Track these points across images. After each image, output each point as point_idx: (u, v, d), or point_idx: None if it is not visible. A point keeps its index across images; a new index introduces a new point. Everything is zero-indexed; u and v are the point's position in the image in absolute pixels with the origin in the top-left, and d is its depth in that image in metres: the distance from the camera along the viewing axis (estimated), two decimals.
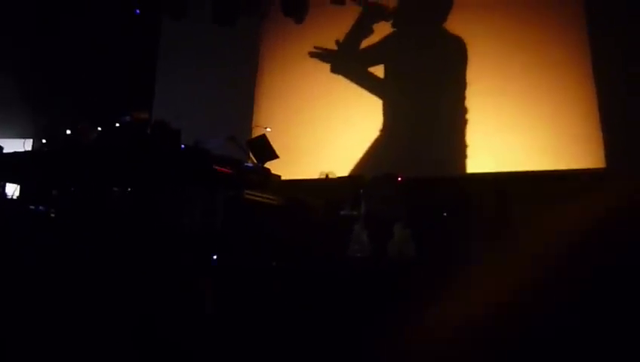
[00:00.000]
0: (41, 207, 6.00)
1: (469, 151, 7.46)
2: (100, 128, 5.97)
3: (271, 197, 6.21)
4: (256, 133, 6.59)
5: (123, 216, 5.42)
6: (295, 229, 6.30)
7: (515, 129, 7.26)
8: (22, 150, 6.36)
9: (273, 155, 6.10)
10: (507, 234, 6.48)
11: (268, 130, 6.44)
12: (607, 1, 7.18)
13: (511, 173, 7.13)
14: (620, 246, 5.90)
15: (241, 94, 8.68)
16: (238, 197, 5.79)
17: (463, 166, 7.45)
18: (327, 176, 7.43)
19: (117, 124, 5.85)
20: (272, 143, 6.36)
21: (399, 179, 6.89)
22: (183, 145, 5.54)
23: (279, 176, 6.55)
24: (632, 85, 6.76)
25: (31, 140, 8.59)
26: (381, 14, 8.22)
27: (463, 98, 7.59)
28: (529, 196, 6.74)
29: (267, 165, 6.25)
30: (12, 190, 6.29)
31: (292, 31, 8.62)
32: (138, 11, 8.99)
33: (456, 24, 7.86)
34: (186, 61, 9.19)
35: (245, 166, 5.90)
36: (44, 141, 6.35)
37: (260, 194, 6.07)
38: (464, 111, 7.56)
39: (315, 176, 7.52)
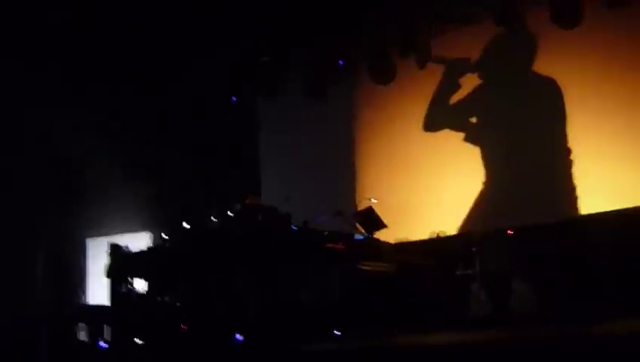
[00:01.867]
0: (167, 299, 6.39)
1: (579, 192, 7.20)
2: (214, 218, 6.30)
3: (384, 265, 6.29)
4: (363, 204, 6.70)
5: (246, 301, 5.64)
6: (412, 294, 6.32)
7: (625, 162, 6.96)
8: (146, 248, 6.80)
9: (381, 225, 6.20)
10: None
11: (374, 201, 6.55)
12: None
13: (627, 209, 6.79)
14: None
15: (342, 165, 8.86)
16: (353, 270, 5.91)
17: (576, 208, 7.19)
18: (437, 235, 7.43)
19: (230, 213, 6.16)
20: (379, 211, 6.47)
21: (509, 232, 6.78)
22: (294, 227, 5.75)
23: (390, 243, 6.64)
24: None
25: (149, 232, 9.14)
26: (466, 67, 8.22)
27: (564, 138, 7.39)
28: None
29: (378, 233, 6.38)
30: (141, 285, 6.69)
31: (382, 95, 8.78)
32: (235, 99, 9.47)
33: (546, 67, 7.71)
34: (284, 139, 9.52)
35: (355, 239, 6.03)
36: (165, 236, 6.73)
37: (373, 264, 6.17)
38: (567, 151, 7.35)
39: (426, 237, 7.53)
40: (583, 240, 6.83)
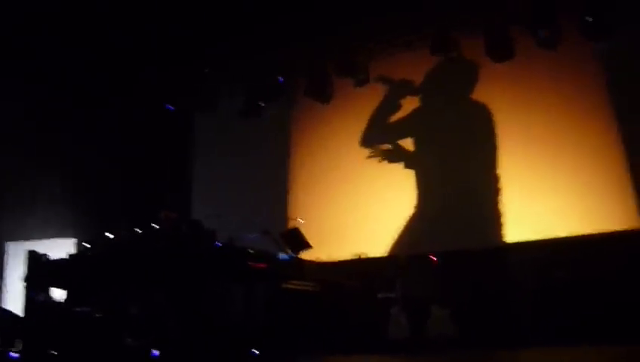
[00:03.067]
0: (85, 309, 6.22)
1: (503, 220, 7.40)
2: (138, 230, 6.20)
3: (308, 284, 6.31)
4: (291, 224, 6.72)
5: (165, 315, 5.55)
6: (334, 314, 6.36)
7: (549, 194, 7.19)
8: (66, 256, 6.61)
9: (306, 245, 6.22)
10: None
11: (301, 221, 6.58)
12: (627, 64, 7.18)
13: (547, 239, 7.01)
14: None
15: (275, 183, 8.84)
16: (275, 288, 5.91)
17: (500, 235, 7.37)
18: (360, 256, 7.48)
19: (154, 225, 6.08)
20: (306, 230, 6.50)
21: (434, 259, 6.90)
22: (218, 243, 5.71)
23: (315, 262, 6.65)
24: None
25: (73, 239, 8.92)
26: (404, 90, 8.37)
27: (493, 166, 7.59)
28: (569, 262, 6.66)
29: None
30: (60, 294, 6.51)
31: (318, 115, 8.85)
32: (172, 108, 9.34)
33: (480, 94, 7.95)
34: (220, 155, 9.45)
35: (280, 258, 6.02)
36: (87, 245, 6.58)
37: (296, 283, 6.18)
38: (496, 180, 7.54)
39: (351, 258, 7.57)
40: (506, 268, 7.02)
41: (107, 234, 6.32)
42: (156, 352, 5.36)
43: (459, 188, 7.66)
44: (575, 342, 5.42)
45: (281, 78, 8.91)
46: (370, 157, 8.24)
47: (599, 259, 6.47)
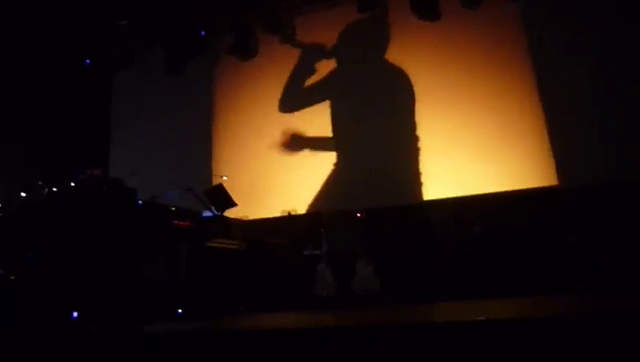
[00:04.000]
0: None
1: (424, 179, 7.53)
2: (54, 188, 5.92)
3: (234, 242, 6.23)
4: (215, 182, 6.59)
5: (84, 274, 5.36)
6: (260, 272, 6.33)
7: (468, 153, 7.36)
8: None
9: (231, 203, 6.12)
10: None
11: (225, 178, 6.47)
12: (548, 23, 7.35)
13: (467, 196, 7.20)
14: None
15: (198, 141, 8.66)
16: (200, 247, 5.81)
17: (420, 193, 7.51)
18: (289, 213, 7.47)
19: (72, 183, 5.81)
20: (231, 188, 6.39)
21: (358, 215, 6.94)
22: (140, 201, 5.53)
23: (241, 220, 6.58)
24: (576, 105, 6.96)
25: None
26: (325, 52, 8.32)
27: (413, 127, 7.67)
28: (487, 218, 6.86)
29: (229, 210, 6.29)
30: None
31: (242, 73, 8.69)
32: (88, 62, 8.92)
33: (399, 54, 7.99)
34: (139, 113, 9.14)
35: (204, 216, 5.91)
36: None
37: (222, 241, 6.09)
38: (415, 139, 7.64)
39: (277, 215, 7.55)
40: (426, 224, 7.17)
41: (21, 193, 5.99)
42: (75, 313, 5.19)
43: (380, 147, 7.73)
44: (491, 295, 5.60)
45: (202, 32, 8.65)
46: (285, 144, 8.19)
47: (515, 215, 6.69)
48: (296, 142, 8.16)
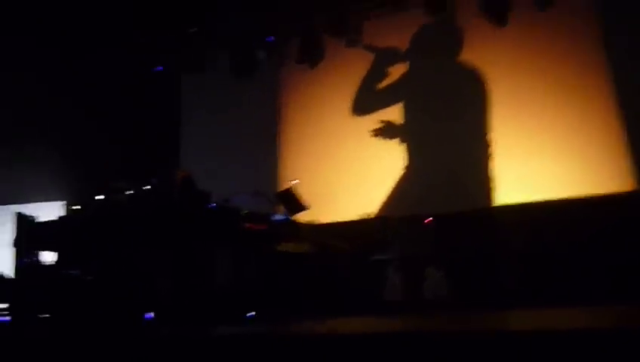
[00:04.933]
0: (76, 272, 6.11)
1: (496, 183, 7.38)
2: (131, 191, 6.08)
3: (304, 246, 6.25)
4: (285, 185, 6.63)
5: (158, 277, 5.48)
6: (329, 276, 6.33)
7: (541, 157, 7.18)
8: (55, 218, 6.48)
9: (302, 207, 6.14)
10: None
11: (296, 181, 6.48)
12: (625, 20, 7.10)
13: (539, 202, 7.02)
14: None
15: (265, 146, 8.75)
16: (270, 251, 5.85)
17: (490, 198, 7.37)
18: (357, 218, 7.45)
19: (147, 186, 5.96)
20: (300, 193, 6.42)
21: (428, 220, 6.87)
22: (213, 204, 5.61)
23: (310, 224, 6.60)
24: None
25: (61, 202, 8.78)
26: (394, 55, 8.28)
27: (485, 130, 7.55)
28: (559, 224, 6.67)
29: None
30: (50, 257, 6.39)
31: (309, 77, 8.75)
32: (161, 68, 9.16)
33: (470, 57, 7.87)
34: (208, 117, 9.31)
35: (275, 219, 5.95)
36: (78, 207, 6.46)
37: (292, 245, 6.12)
38: (487, 143, 7.51)
39: (345, 220, 7.54)
40: (497, 230, 7.03)
41: (98, 196, 6.18)
42: (149, 315, 5.30)
43: (451, 151, 7.63)
44: (564, 304, 5.45)
45: (271, 37, 8.76)
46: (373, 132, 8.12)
47: (589, 221, 6.49)
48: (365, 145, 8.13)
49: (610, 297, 5.40)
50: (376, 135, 8.05)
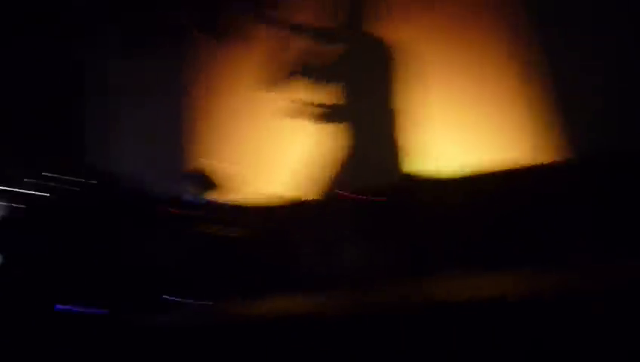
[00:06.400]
0: None
1: (420, 154, 7.41)
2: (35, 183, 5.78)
3: (222, 228, 6.17)
4: (199, 166, 6.50)
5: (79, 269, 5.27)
6: (251, 257, 6.28)
7: (458, 127, 7.28)
8: None
9: (218, 187, 6.05)
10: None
11: (206, 161, 6.38)
12: None
13: (455, 172, 7.14)
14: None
15: (176, 124, 8.49)
16: (188, 233, 5.74)
17: (407, 171, 7.42)
18: (277, 197, 7.39)
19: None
20: (216, 173, 6.32)
21: (343, 195, 6.88)
22: (125, 189, 5.44)
23: (229, 205, 6.51)
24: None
25: None
26: (308, 28, 8.15)
27: (399, 103, 7.52)
28: (485, 194, 6.84)
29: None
30: None
31: (217, 54, 8.53)
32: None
33: (389, 28, 7.81)
34: (114, 98, 8.92)
35: (192, 202, 5.83)
36: None
37: (211, 227, 6.03)
38: (402, 116, 7.52)
39: (263, 199, 7.46)
40: (412, 202, 7.13)
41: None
42: (61, 306, 5.10)
43: (367, 125, 7.61)
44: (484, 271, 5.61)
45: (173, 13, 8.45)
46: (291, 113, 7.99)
47: (516, 191, 6.65)
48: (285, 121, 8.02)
49: (525, 264, 5.60)
50: (290, 112, 7.95)
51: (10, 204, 5.63)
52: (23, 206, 5.62)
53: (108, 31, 8.75)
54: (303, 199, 7.20)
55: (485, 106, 7.25)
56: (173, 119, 8.54)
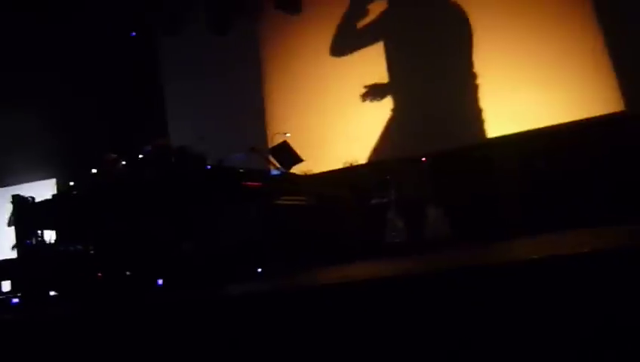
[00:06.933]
0: (78, 247, 6.12)
1: (485, 116, 7.37)
2: (123, 161, 6.05)
3: (302, 198, 6.28)
4: (276, 139, 6.60)
5: (161, 244, 5.49)
6: (330, 225, 6.37)
7: (528, 86, 7.13)
8: (51, 196, 6.46)
9: (298, 159, 6.14)
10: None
11: (288, 135, 6.46)
12: None
13: (531, 130, 7.02)
14: None
15: (251, 101, 8.68)
16: (271, 206, 5.87)
17: (482, 132, 7.37)
18: (350, 164, 7.48)
19: (140, 155, 5.93)
20: (293, 145, 6.41)
21: (423, 160, 6.90)
22: (208, 166, 5.61)
23: (306, 176, 6.61)
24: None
25: (53, 180, 8.74)
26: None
27: (470, 64, 7.48)
28: (554, 151, 6.70)
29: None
30: (50, 235, 6.39)
31: (289, 27, 8.62)
32: (134, 33, 8.97)
33: None
34: (190, 78, 9.18)
35: (272, 175, 5.96)
36: (71, 183, 6.44)
37: (291, 198, 6.14)
38: (473, 77, 7.45)
39: (340, 167, 7.57)
40: (492, 163, 7.06)
41: (92, 170, 6.16)
42: (160, 281, 5.34)
43: (440, 89, 7.57)
44: (563, 228, 5.51)
45: None
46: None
47: (582, 146, 6.51)
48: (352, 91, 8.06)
49: (610, 219, 5.47)
50: (362, 78, 7.99)
51: (102, 182, 5.94)
52: (113, 184, 5.90)
53: (181, 13, 8.96)
54: (380, 165, 7.28)
55: (548, 62, 7.05)
56: (249, 95, 8.72)
